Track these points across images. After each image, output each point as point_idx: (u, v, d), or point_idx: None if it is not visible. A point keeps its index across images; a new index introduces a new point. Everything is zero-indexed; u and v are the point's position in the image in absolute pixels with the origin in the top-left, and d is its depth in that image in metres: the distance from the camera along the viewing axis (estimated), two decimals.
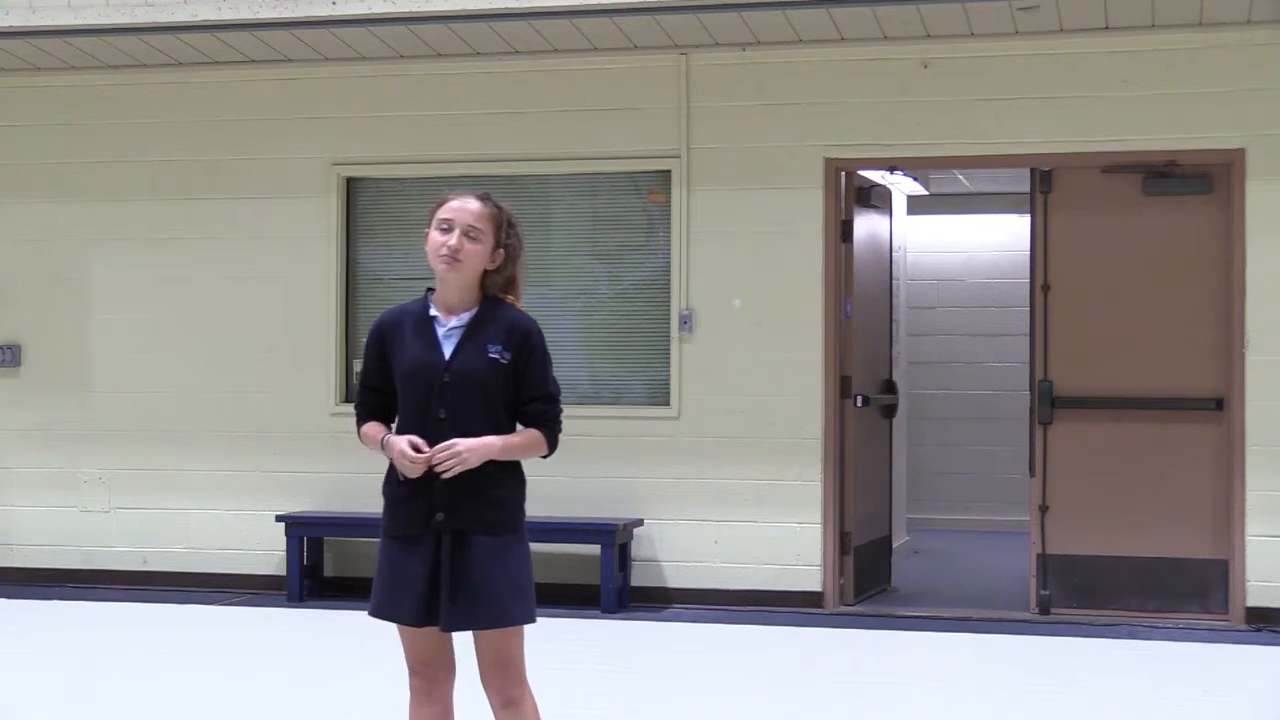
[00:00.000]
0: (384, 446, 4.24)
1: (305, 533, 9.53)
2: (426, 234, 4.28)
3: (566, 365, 9.43)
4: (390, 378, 4.30)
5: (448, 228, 4.23)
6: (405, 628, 4.22)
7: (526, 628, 4.27)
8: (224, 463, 9.86)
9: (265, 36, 9.16)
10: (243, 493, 9.83)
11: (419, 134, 9.68)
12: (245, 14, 8.76)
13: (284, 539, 9.49)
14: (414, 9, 8.63)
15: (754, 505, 9.20)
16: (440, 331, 4.25)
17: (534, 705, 4.27)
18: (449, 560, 4.15)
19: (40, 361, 10.14)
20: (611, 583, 9.00)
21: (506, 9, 8.57)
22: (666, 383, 9.36)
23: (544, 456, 4.33)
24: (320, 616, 8.89)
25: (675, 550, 9.31)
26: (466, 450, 4.13)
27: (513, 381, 4.24)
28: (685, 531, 9.29)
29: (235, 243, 9.90)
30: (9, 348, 10.14)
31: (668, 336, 9.38)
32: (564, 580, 9.33)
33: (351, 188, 9.89)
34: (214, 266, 9.93)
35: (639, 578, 9.31)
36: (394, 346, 4.29)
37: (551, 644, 7.96)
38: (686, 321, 9.30)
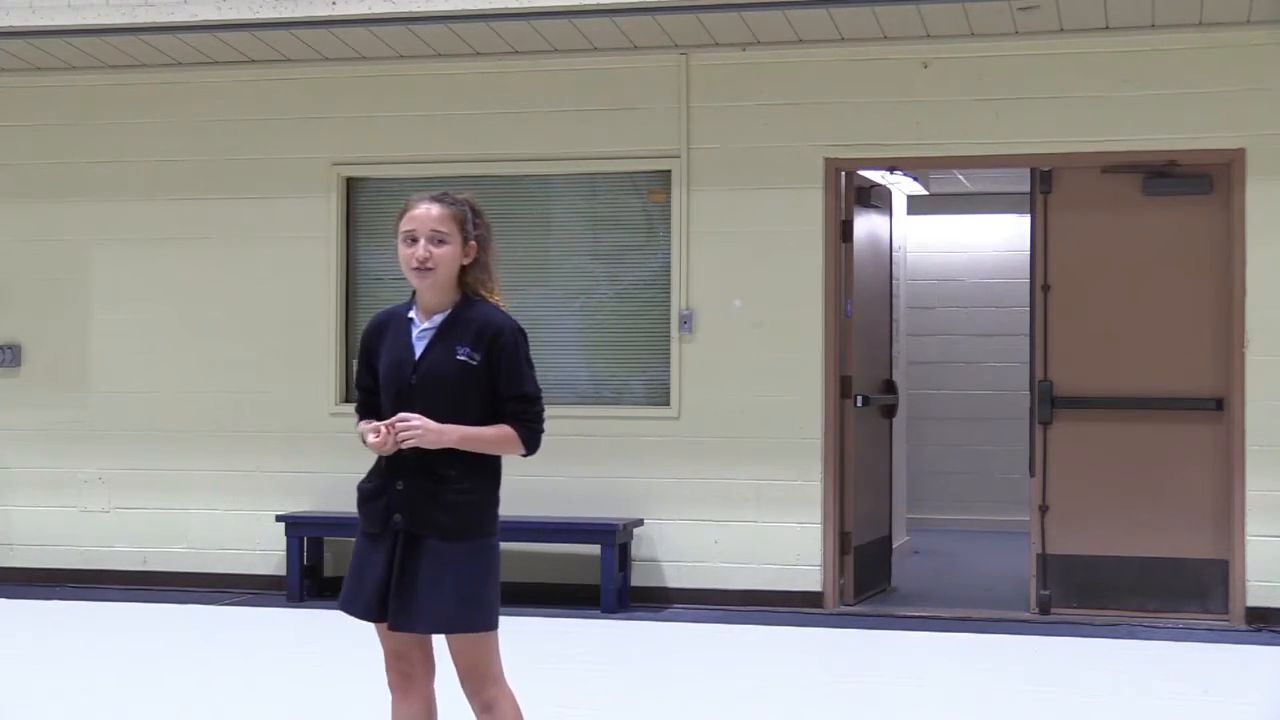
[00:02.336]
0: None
1: (305, 533, 9.53)
2: (396, 245, 4.28)
3: (566, 365, 9.43)
4: (377, 379, 4.33)
5: (413, 239, 4.23)
6: (380, 626, 4.28)
7: (497, 632, 4.25)
8: (224, 463, 9.86)
9: (265, 36, 9.16)
10: (243, 493, 9.83)
11: (419, 134, 9.68)
12: (245, 14, 8.76)
13: (284, 539, 9.49)
14: (414, 9, 8.62)
15: (754, 505, 9.20)
16: (414, 333, 4.27)
17: (513, 706, 4.26)
18: (400, 561, 4.20)
19: (40, 361, 10.15)
20: (611, 583, 9.00)
21: (506, 9, 8.56)
22: (666, 383, 9.36)
23: (524, 455, 4.28)
24: (320, 616, 8.89)
25: (675, 550, 9.31)
26: (422, 426, 4.11)
27: (486, 382, 4.21)
28: (685, 531, 9.28)
29: (235, 243, 9.90)
30: (9, 348, 10.14)
31: (668, 336, 9.37)
32: (564, 580, 9.34)
33: (351, 188, 9.89)
34: (214, 266, 9.93)
35: (639, 578, 9.30)
36: (377, 349, 4.34)
37: (552, 644, 7.97)
38: (686, 321, 9.30)
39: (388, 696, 4.42)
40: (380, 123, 9.74)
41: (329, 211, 9.80)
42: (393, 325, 4.33)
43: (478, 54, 9.51)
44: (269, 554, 9.72)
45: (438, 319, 4.25)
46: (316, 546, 9.65)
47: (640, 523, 9.28)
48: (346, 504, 10.01)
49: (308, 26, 8.88)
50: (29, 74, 10.06)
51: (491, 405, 4.23)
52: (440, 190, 4.34)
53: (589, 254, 9.61)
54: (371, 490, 4.30)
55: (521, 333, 4.28)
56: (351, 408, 10.48)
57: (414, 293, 4.33)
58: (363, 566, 4.28)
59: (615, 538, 8.99)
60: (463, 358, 4.19)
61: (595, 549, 9.08)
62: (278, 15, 8.74)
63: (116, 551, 9.99)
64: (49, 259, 10.13)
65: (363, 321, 9.76)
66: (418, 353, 4.24)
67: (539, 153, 9.52)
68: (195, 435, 9.91)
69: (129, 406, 9.99)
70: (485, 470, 4.25)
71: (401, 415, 4.15)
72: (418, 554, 4.18)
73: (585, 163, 9.53)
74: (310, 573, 9.56)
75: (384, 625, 4.27)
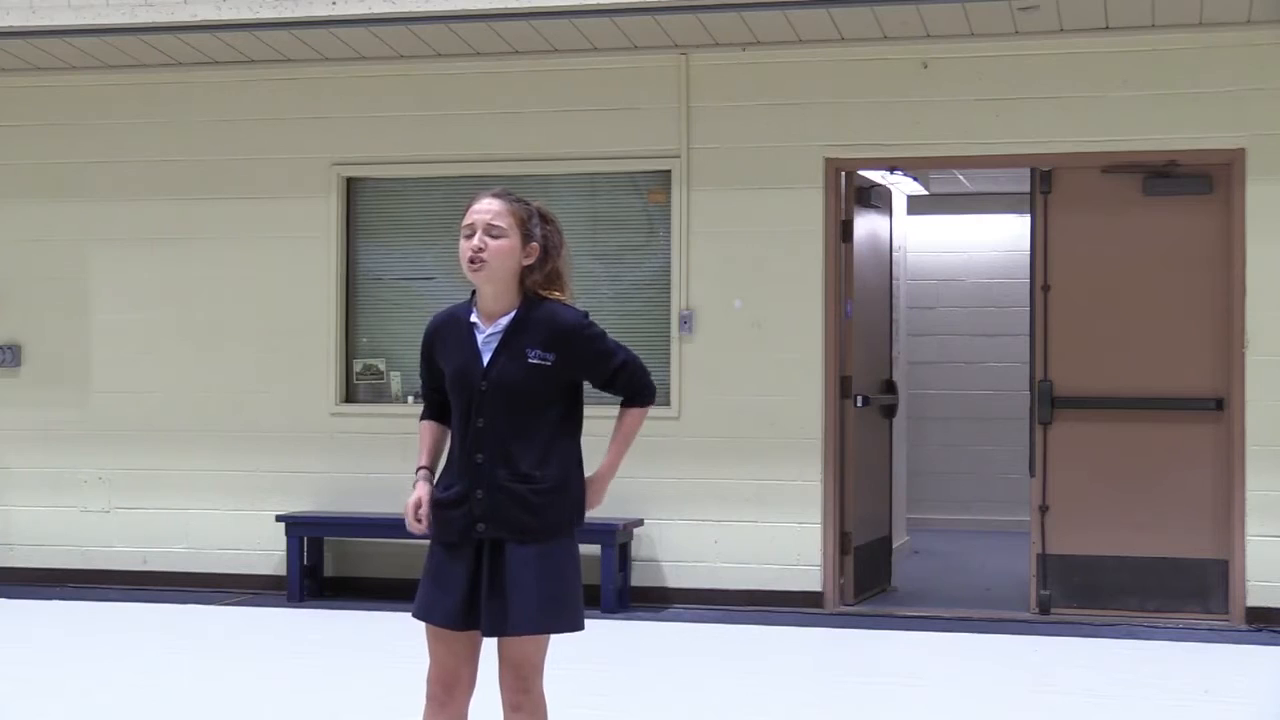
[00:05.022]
0: (417, 466, 4.33)
1: (305, 533, 9.53)
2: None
3: None
4: (442, 380, 4.29)
5: (470, 233, 4.19)
6: (434, 634, 4.22)
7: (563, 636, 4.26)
8: (224, 463, 9.85)
9: (265, 36, 9.16)
10: (243, 493, 9.83)
11: (419, 134, 9.68)
12: (245, 14, 8.76)
13: (284, 539, 9.49)
14: (414, 9, 8.62)
15: (754, 505, 9.19)
16: (480, 339, 4.21)
17: (544, 714, 4.24)
18: (489, 567, 4.15)
19: (40, 361, 10.14)
20: (611, 583, 9.00)
21: (506, 9, 8.56)
22: (666, 383, 9.36)
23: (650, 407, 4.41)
24: (320, 616, 8.89)
25: (675, 550, 9.31)
26: (597, 501, 4.34)
27: (566, 380, 4.21)
28: (685, 531, 9.28)
29: (235, 243, 9.90)
30: (9, 348, 10.14)
31: (668, 336, 9.37)
32: None
33: (351, 188, 9.89)
34: (214, 266, 9.93)
35: (639, 578, 9.30)
36: (440, 352, 4.29)
37: (551, 644, 7.96)
38: (686, 321, 9.30)
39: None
40: (380, 123, 9.74)
41: (329, 211, 9.80)
42: (453, 329, 4.27)
43: (478, 54, 9.51)
44: (269, 554, 9.72)
45: (503, 322, 4.20)
46: (316, 546, 9.64)
47: (640, 523, 9.28)
48: (346, 504, 10.10)
49: (308, 26, 8.87)
50: (29, 74, 10.05)
51: (573, 399, 4.27)
52: (504, 188, 4.31)
53: (589, 254, 9.60)
54: (451, 499, 4.20)
55: (587, 319, 4.26)
56: (352, 407, 10.51)
57: (473, 294, 4.27)
58: (441, 575, 4.21)
59: (615, 538, 8.99)
60: (534, 360, 4.16)
61: (595, 549, 9.07)
62: (278, 15, 8.74)
63: (116, 551, 9.99)
64: (49, 259, 10.12)
65: (363, 321, 9.86)
66: (485, 359, 4.18)
67: (539, 153, 9.52)
68: (195, 435, 9.90)
69: (129, 406, 9.99)
70: (559, 471, 4.23)
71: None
72: (508, 559, 4.14)
73: (585, 163, 9.53)
74: (310, 573, 9.56)
75: (444, 634, 4.20)
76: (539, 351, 4.16)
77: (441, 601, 4.18)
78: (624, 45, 9.25)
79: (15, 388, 10.16)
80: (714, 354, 9.28)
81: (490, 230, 4.17)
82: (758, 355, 9.23)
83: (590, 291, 9.57)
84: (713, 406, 9.27)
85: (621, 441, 4.36)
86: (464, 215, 4.23)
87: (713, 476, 9.26)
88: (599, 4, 8.47)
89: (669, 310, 9.38)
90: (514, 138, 9.54)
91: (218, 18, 8.80)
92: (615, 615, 8.91)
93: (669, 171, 9.38)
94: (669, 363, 9.34)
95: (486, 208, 4.20)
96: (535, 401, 4.17)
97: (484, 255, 4.15)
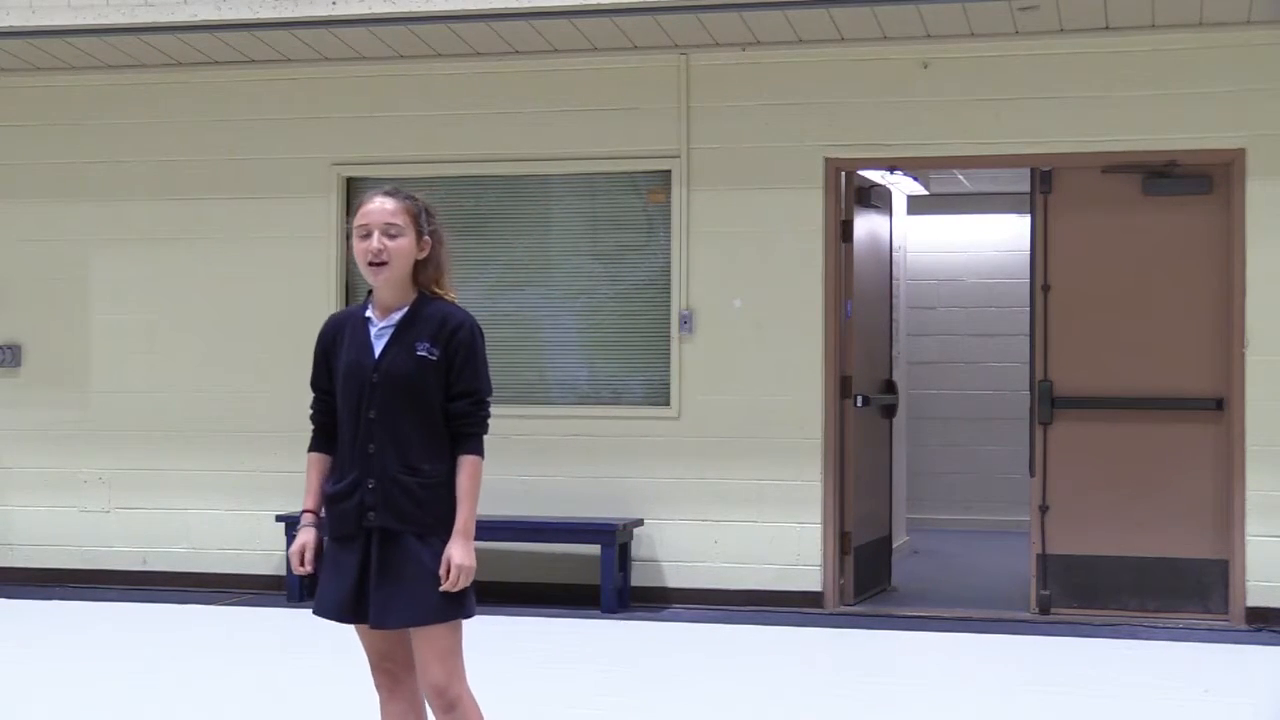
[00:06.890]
0: (302, 509, 4.35)
1: None
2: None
3: (567, 365, 9.44)
4: (334, 379, 4.33)
5: (366, 233, 4.25)
6: (360, 629, 4.29)
7: (467, 623, 4.26)
8: (224, 463, 9.86)
9: (265, 36, 9.16)
10: (243, 493, 9.83)
11: (419, 134, 9.68)
12: (245, 14, 8.76)
13: (284, 539, 9.49)
14: (414, 9, 8.63)
15: (754, 505, 9.20)
16: (373, 332, 4.27)
17: (475, 706, 4.25)
18: (376, 557, 4.19)
19: (40, 361, 10.15)
20: (611, 583, 9.00)
21: (506, 9, 8.57)
22: (666, 383, 9.36)
23: None
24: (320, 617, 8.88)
25: (675, 550, 9.31)
26: (462, 560, 4.13)
27: (444, 378, 4.22)
28: (685, 531, 9.28)
29: (235, 243, 9.90)
30: (9, 348, 10.14)
31: (668, 336, 9.37)
32: (564, 580, 9.34)
33: (351, 188, 9.89)
34: (214, 266, 9.93)
35: (639, 578, 9.30)
36: (335, 350, 4.33)
37: (552, 644, 7.97)
38: (686, 321, 9.30)
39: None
40: (380, 123, 9.74)
41: (329, 211, 9.80)
42: (350, 325, 4.33)
43: (478, 54, 9.51)
44: (269, 554, 9.73)
45: (395, 316, 4.26)
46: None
47: (640, 523, 9.28)
48: None
49: (308, 26, 8.88)
50: (29, 74, 10.06)
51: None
52: (393, 186, 4.37)
53: (589, 254, 9.61)
54: (341, 491, 4.25)
55: (479, 330, 4.30)
56: None
57: (369, 292, 4.35)
58: (333, 569, 4.28)
59: (615, 538, 8.99)
60: (422, 354, 4.20)
61: (595, 549, 9.08)
62: (278, 15, 8.75)
63: (116, 551, 9.99)
64: (49, 259, 10.13)
65: None
66: (377, 351, 4.24)
67: (539, 153, 9.52)
68: (195, 435, 9.91)
69: (129, 406, 9.99)
70: (453, 465, 4.25)
71: (450, 580, 4.12)
72: (394, 550, 4.18)
73: (585, 163, 9.53)
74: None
75: (365, 627, 4.27)
76: (428, 345, 4.21)
77: (331, 593, 4.26)
78: (624, 45, 9.25)
79: (15, 388, 10.16)
80: (714, 354, 9.28)
81: (388, 230, 4.23)
82: (758, 355, 9.23)
83: (590, 291, 9.57)
84: (713, 406, 9.27)
85: (467, 498, 4.20)
86: (354, 215, 4.31)
87: (713, 476, 9.26)
88: (599, 4, 8.48)
89: (669, 310, 9.38)
90: (514, 138, 9.54)
91: (217, 18, 8.80)
92: (615, 615, 8.91)
93: (669, 171, 9.38)
94: (669, 363, 9.34)
95: (381, 207, 4.26)
96: (424, 395, 4.20)
97: (385, 257, 4.22)
